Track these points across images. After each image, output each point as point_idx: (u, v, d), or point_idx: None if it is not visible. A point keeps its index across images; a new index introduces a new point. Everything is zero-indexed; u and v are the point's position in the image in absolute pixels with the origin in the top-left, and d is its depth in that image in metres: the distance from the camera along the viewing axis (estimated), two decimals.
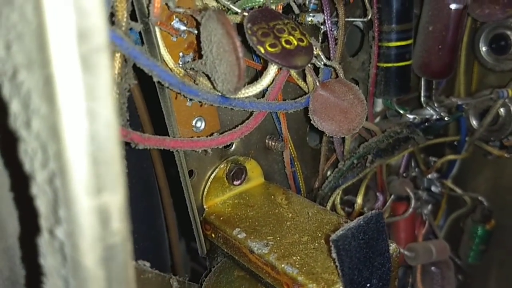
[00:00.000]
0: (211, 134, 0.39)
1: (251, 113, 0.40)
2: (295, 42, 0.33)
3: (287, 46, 0.33)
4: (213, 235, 0.43)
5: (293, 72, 0.42)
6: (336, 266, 0.34)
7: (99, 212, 0.19)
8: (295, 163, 0.48)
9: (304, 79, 0.43)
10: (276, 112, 0.44)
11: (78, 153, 0.18)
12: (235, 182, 0.45)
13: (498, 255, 0.68)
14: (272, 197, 0.45)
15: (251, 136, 0.45)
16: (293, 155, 0.48)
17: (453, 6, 0.48)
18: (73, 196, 0.18)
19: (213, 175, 0.43)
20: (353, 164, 0.51)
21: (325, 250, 0.37)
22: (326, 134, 0.47)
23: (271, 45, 0.32)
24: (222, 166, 0.44)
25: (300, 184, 0.50)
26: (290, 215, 0.42)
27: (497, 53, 0.60)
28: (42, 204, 0.20)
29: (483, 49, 0.60)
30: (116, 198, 0.19)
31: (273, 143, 0.46)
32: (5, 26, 0.18)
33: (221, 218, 0.42)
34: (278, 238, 0.39)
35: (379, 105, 0.57)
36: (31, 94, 0.18)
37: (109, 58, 0.17)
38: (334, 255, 0.33)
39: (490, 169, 0.67)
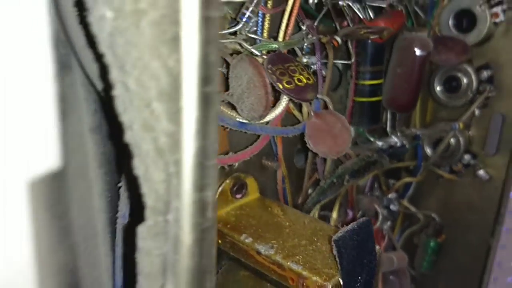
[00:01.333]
0: (227, 153, 0.47)
1: (256, 136, 0.48)
2: (305, 81, 0.41)
3: (299, 84, 0.41)
4: (219, 241, 0.50)
5: (290, 104, 0.50)
6: (336, 262, 0.41)
7: (200, 204, 0.26)
8: (286, 180, 0.56)
9: (299, 110, 0.51)
10: (274, 136, 0.52)
11: (192, 162, 0.25)
12: (237, 196, 0.52)
13: (447, 265, 0.78)
14: (269, 209, 0.52)
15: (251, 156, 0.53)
16: (284, 174, 0.56)
17: (418, 53, 0.59)
18: (184, 192, 0.26)
19: (220, 189, 0.51)
20: (333, 182, 0.59)
21: (322, 251, 0.45)
22: (309, 157, 0.56)
23: (287, 82, 0.40)
24: (228, 181, 0.51)
25: (288, 199, 0.58)
26: (287, 223, 0.50)
27: (449, 91, 0.71)
28: (150, 199, 0.27)
29: (438, 88, 0.71)
30: (211, 194, 0.26)
31: (269, 163, 0.54)
32: (144, 66, 0.25)
33: (228, 226, 0.49)
34: (281, 242, 0.46)
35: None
36: (161, 119, 0.25)
37: (218, 98, 0.25)
38: (335, 252, 0.41)
39: (441, 190, 0.77)
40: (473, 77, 0.69)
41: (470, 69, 0.69)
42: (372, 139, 0.64)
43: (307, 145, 0.50)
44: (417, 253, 0.78)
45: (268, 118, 0.43)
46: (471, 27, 0.67)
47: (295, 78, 0.41)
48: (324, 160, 0.59)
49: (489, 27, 0.66)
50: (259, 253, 0.46)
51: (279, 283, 0.45)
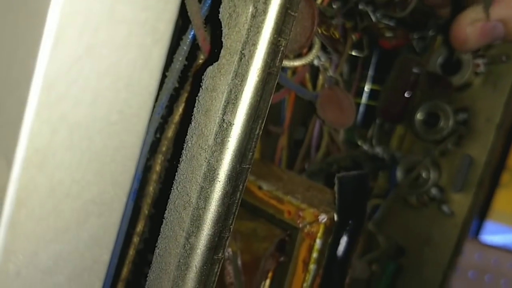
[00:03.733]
0: None
1: None
2: (337, 36, 0.47)
3: (333, 36, 0.47)
4: None
5: (307, 74, 0.56)
6: (335, 198, 0.45)
7: (274, 47, 0.30)
8: (284, 152, 0.61)
9: (312, 82, 0.57)
10: (285, 101, 0.57)
11: (280, 3, 0.30)
12: None
13: None
14: (269, 165, 0.56)
15: None
16: (284, 145, 0.60)
17: (414, 70, 0.66)
18: (265, 31, 0.30)
19: None
20: (322, 168, 0.64)
21: (318, 197, 0.49)
22: (305, 141, 0.61)
23: (325, 30, 0.46)
24: None
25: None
26: (286, 177, 0.53)
27: (428, 126, 0.79)
28: (229, 39, 0.31)
29: (418, 117, 0.79)
30: (284, 44, 0.31)
31: (274, 128, 0.58)
32: None
33: None
34: (281, 184, 0.50)
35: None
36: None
37: None
38: (336, 188, 0.45)
39: (404, 218, 0.82)
40: (451, 117, 0.77)
41: (449, 109, 0.78)
42: (359, 142, 0.70)
43: (317, 112, 0.55)
44: (374, 275, 0.81)
45: (298, 62, 0.48)
46: (455, 71, 0.76)
47: (330, 31, 0.47)
48: (318, 147, 0.64)
49: (470, 75, 0.76)
50: (260, 188, 0.49)
51: (274, 217, 0.48)
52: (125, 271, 0.42)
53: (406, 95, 0.68)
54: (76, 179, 0.20)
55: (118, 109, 0.21)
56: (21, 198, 0.19)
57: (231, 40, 0.31)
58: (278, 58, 0.31)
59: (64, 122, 0.19)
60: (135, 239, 0.44)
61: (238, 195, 0.33)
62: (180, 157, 0.34)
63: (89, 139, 0.20)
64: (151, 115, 0.42)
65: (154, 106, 0.43)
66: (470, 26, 0.52)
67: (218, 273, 0.33)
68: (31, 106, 0.18)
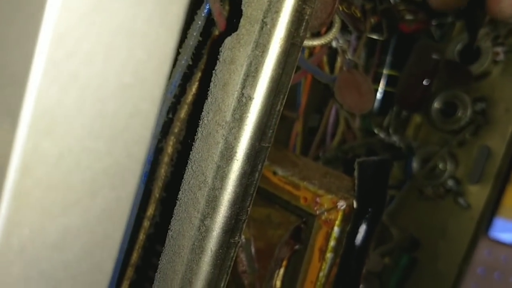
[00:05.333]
0: None
1: None
2: (359, 15, 0.45)
3: (354, 15, 0.45)
4: None
5: (324, 58, 0.53)
6: (353, 184, 0.43)
7: (298, 15, 0.28)
8: (298, 138, 0.59)
9: (330, 66, 0.55)
10: (301, 85, 0.55)
11: None
12: None
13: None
14: (283, 150, 0.54)
15: None
16: (298, 131, 0.58)
17: (434, 56, 0.64)
18: (287, 1, 0.28)
19: None
20: (337, 156, 0.62)
21: (336, 183, 0.47)
22: (321, 127, 0.59)
23: (346, 8, 0.44)
24: None
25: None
26: (301, 162, 0.51)
27: (445, 116, 0.76)
28: (249, 7, 0.29)
29: (435, 105, 0.76)
30: (309, 12, 0.29)
31: (289, 113, 0.56)
32: None
33: None
34: (297, 170, 0.48)
35: None
36: None
37: None
38: (356, 173, 0.43)
39: (419, 211, 0.80)
40: (469, 106, 0.75)
41: (467, 99, 0.75)
42: (376, 130, 0.68)
43: (335, 96, 0.53)
44: (387, 268, 0.79)
45: (318, 42, 0.46)
46: (473, 60, 0.74)
47: (352, 9, 0.45)
48: (333, 134, 0.62)
49: (489, 63, 0.73)
50: (275, 173, 0.47)
51: (289, 204, 0.46)
52: (135, 256, 0.40)
53: (424, 82, 0.66)
54: (87, 147, 0.19)
55: (132, 70, 0.19)
56: (26, 166, 0.17)
57: (251, 7, 0.29)
58: (303, 27, 0.29)
59: (74, 81, 0.17)
60: (146, 223, 0.42)
61: (257, 175, 0.31)
62: (194, 138, 0.33)
63: (101, 102, 0.18)
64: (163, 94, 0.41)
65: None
66: None
67: (234, 258, 0.31)
68: (38, 63, 0.16)
